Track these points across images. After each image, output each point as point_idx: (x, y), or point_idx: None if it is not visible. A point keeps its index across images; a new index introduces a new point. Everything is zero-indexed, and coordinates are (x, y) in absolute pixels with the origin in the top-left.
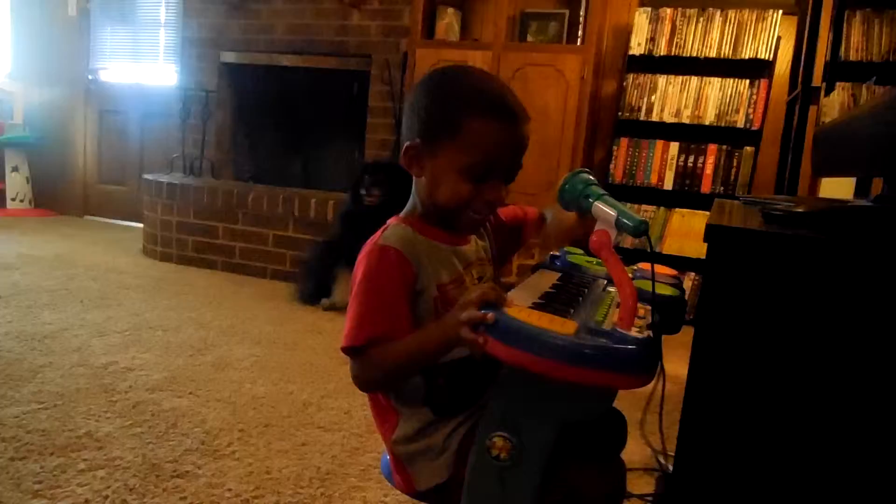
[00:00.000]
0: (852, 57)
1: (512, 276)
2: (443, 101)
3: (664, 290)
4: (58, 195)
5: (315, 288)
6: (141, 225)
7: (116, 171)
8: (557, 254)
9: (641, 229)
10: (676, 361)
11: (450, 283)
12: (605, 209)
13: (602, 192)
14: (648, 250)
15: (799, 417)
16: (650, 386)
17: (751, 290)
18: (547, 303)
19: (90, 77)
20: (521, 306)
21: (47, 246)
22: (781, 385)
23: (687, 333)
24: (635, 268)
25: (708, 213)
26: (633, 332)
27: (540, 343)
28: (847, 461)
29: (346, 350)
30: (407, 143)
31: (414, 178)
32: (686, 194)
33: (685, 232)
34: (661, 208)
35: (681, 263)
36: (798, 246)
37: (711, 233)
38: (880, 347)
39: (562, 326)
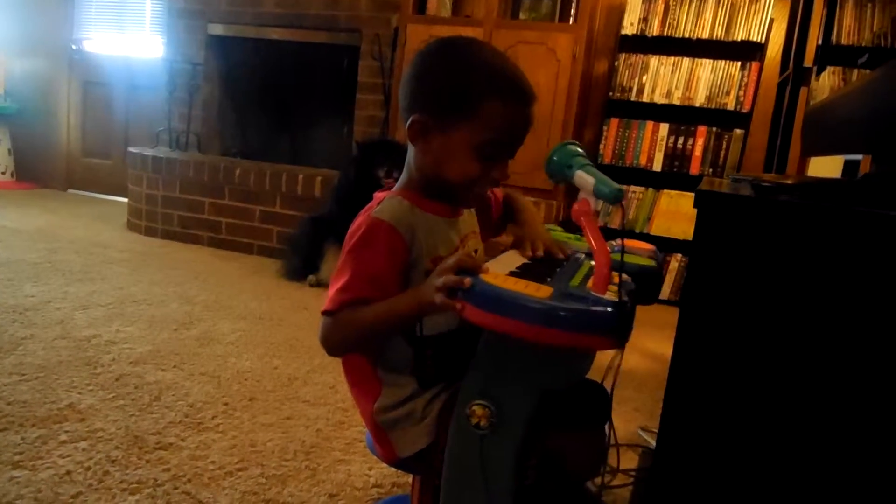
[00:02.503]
0: (844, 41)
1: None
2: (458, 77)
3: (642, 261)
4: (40, 168)
5: (302, 264)
6: (125, 199)
7: (100, 145)
8: None
9: (616, 195)
10: (662, 341)
11: (446, 256)
12: (585, 177)
13: (586, 162)
14: (622, 218)
15: (781, 389)
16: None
17: (740, 259)
18: (523, 272)
19: (74, 47)
20: (497, 273)
21: (29, 219)
22: (767, 358)
23: (672, 313)
24: (613, 243)
25: None
26: (608, 296)
27: (515, 306)
28: (834, 432)
29: (324, 313)
30: (414, 117)
31: (411, 150)
32: (675, 175)
33: (673, 213)
34: (650, 189)
35: (668, 244)
36: (788, 212)
37: (701, 199)
38: (869, 316)
39: (537, 291)
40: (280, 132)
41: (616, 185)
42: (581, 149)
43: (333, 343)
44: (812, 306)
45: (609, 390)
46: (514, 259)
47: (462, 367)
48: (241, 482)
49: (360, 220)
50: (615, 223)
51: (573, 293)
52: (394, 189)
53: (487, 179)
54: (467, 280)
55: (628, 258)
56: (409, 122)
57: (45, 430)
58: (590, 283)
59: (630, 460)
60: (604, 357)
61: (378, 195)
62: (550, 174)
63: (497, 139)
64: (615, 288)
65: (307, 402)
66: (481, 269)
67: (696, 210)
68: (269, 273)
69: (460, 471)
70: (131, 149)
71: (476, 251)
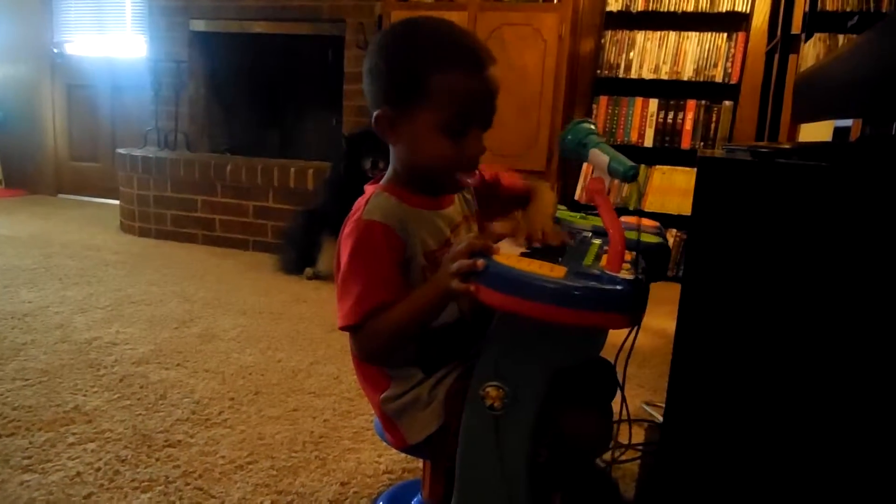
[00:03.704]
0: (829, 6)
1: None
2: (403, 61)
3: (649, 238)
4: (29, 174)
5: (298, 257)
6: (117, 202)
7: (88, 148)
8: None
9: (631, 173)
10: (663, 317)
11: (438, 249)
12: (599, 155)
13: (600, 139)
14: (638, 194)
15: (788, 357)
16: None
17: (744, 225)
18: (534, 253)
19: (55, 51)
20: (510, 254)
21: (21, 226)
22: (772, 325)
23: (673, 289)
24: (621, 220)
25: (689, 168)
26: (622, 274)
27: (532, 287)
28: (844, 396)
29: (345, 328)
30: (377, 113)
31: (391, 145)
32: (666, 151)
33: (666, 188)
34: (642, 166)
35: (662, 220)
36: (794, 174)
37: (704, 165)
38: (875, 282)
39: (551, 271)
40: (269, 126)
41: (630, 163)
42: (594, 126)
43: (371, 354)
44: (817, 270)
45: (623, 367)
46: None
47: (464, 351)
48: (251, 475)
49: (350, 226)
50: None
51: (587, 272)
52: (380, 183)
53: (465, 157)
54: (480, 262)
55: (636, 236)
56: (373, 119)
57: (52, 433)
58: (603, 262)
59: (636, 435)
60: (613, 335)
61: (369, 188)
62: (565, 153)
63: (460, 113)
64: (628, 266)
65: (313, 394)
66: (493, 250)
67: (694, 181)
68: (266, 268)
69: (475, 452)
70: (120, 150)
71: None
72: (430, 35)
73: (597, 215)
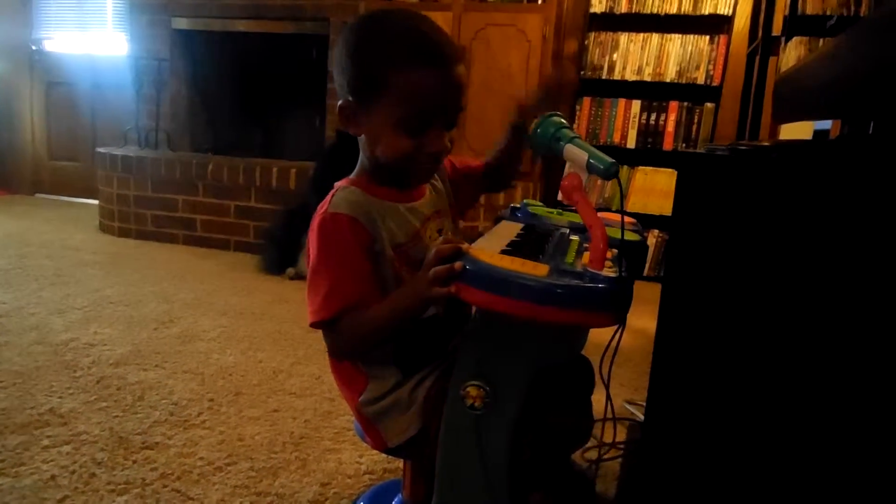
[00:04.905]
0: (809, 10)
1: (480, 221)
2: (365, 55)
3: (627, 235)
4: (6, 173)
5: (280, 257)
6: (96, 202)
7: (67, 147)
8: (518, 206)
9: (612, 171)
10: (644, 316)
11: (406, 242)
12: (576, 151)
13: (573, 134)
14: (620, 191)
15: (769, 356)
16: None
17: (723, 222)
18: (514, 250)
19: (34, 48)
20: (491, 252)
21: None
22: (753, 324)
23: (654, 289)
24: (600, 216)
25: (671, 170)
26: (605, 272)
27: (515, 285)
28: (824, 394)
29: (316, 325)
30: (340, 103)
31: (358, 137)
32: (649, 152)
33: (648, 189)
34: (625, 166)
35: (645, 221)
36: (770, 170)
37: (683, 161)
38: (856, 278)
39: (534, 269)
40: (251, 126)
41: (610, 160)
42: (565, 119)
43: (344, 352)
44: (798, 267)
45: (609, 366)
46: (505, 232)
47: (442, 350)
48: (230, 476)
49: (317, 220)
50: (592, 198)
51: (570, 270)
52: (349, 177)
53: (424, 155)
54: (458, 265)
55: (615, 232)
56: (337, 109)
57: (26, 436)
58: (585, 259)
59: (617, 433)
60: (596, 334)
61: (339, 185)
62: (534, 147)
63: (418, 110)
64: (610, 263)
65: (293, 394)
66: (464, 251)
67: (675, 180)
68: (248, 268)
69: (456, 452)
70: (100, 149)
71: (440, 231)
72: (394, 29)
73: (573, 211)
